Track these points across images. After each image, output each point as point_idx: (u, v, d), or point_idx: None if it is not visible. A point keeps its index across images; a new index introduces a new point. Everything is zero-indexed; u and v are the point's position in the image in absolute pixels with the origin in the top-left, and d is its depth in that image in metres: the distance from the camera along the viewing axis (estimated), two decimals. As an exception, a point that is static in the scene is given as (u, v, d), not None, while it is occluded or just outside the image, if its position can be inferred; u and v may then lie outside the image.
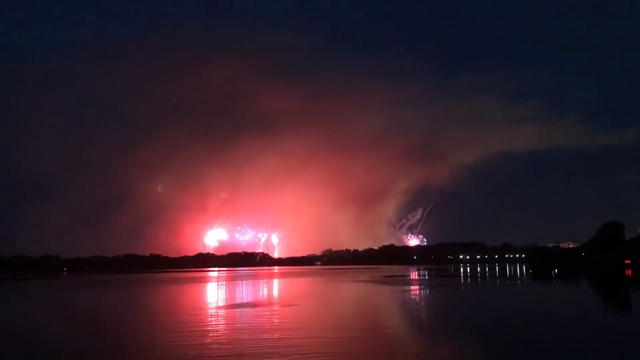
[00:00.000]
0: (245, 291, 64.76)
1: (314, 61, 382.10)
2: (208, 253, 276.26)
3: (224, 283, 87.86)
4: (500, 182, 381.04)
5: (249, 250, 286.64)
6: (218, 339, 25.50)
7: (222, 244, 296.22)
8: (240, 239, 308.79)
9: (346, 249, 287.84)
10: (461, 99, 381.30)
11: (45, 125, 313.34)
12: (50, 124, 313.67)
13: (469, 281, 79.95)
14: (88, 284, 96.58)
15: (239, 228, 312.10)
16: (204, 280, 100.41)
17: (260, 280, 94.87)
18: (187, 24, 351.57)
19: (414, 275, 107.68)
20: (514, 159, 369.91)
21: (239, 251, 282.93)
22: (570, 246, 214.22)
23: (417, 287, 67.46)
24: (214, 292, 64.65)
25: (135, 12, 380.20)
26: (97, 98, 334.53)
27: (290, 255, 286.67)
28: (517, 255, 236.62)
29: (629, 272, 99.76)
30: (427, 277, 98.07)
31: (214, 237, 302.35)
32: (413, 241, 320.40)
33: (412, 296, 52.20)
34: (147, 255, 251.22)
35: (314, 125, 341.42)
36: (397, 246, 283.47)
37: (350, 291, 61.80)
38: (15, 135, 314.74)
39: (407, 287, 65.22)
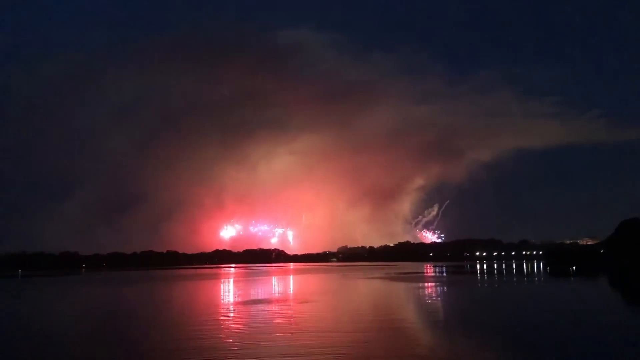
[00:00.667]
0: (261, 288, 65.21)
1: (330, 58, 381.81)
2: (224, 250, 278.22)
3: (240, 279, 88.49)
4: (518, 178, 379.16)
5: (265, 247, 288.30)
6: (234, 335, 25.82)
7: (238, 241, 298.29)
8: (255, 230, 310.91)
9: (362, 246, 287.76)
10: (478, 95, 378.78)
11: (64, 124, 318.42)
12: (68, 122, 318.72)
13: (485, 278, 79.56)
14: (107, 281, 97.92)
15: (253, 222, 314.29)
16: (220, 277, 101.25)
17: (276, 277, 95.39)
18: (203, 23, 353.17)
19: (429, 272, 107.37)
20: (532, 156, 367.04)
21: (255, 248, 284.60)
22: (588, 243, 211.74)
23: (433, 284, 67.29)
24: (230, 289, 65.21)
25: (152, 11, 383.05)
26: (115, 96, 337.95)
27: (306, 252, 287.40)
28: (535, 252, 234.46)
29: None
30: (443, 274, 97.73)
31: (229, 233, 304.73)
32: (429, 238, 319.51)
33: (427, 293, 52.13)
34: (165, 252, 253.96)
35: (329, 122, 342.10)
36: (413, 243, 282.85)
37: (365, 288, 61.88)
38: (34, 134, 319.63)
39: (422, 284, 65.11)
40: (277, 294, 53.94)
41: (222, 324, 29.87)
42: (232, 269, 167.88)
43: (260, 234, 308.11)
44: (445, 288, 59.41)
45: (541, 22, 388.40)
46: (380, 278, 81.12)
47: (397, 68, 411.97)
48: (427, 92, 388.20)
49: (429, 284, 67.05)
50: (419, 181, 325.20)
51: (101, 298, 55.59)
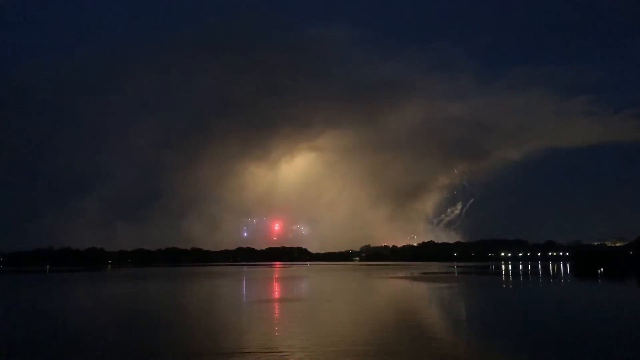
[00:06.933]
0: (283, 286, 65.47)
1: (357, 54, 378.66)
2: (247, 247, 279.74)
3: (263, 277, 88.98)
4: (546, 178, 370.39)
5: (288, 245, 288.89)
6: (257, 332, 25.98)
7: (260, 239, 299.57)
8: (277, 228, 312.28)
9: (384, 245, 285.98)
10: (509, 93, 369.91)
11: (85, 119, 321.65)
12: (89, 118, 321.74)
13: (510, 279, 78.52)
14: (132, 277, 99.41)
15: (275, 219, 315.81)
16: (243, 275, 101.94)
17: (299, 275, 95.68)
18: (226, 17, 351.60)
19: (453, 272, 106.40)
20: (562, 155, 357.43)
21: (278, 246, 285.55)
22: (617, 245, 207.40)
23: (457, 284, 66.68)
24: (252, 286, 65.62)
25: (174, 5, 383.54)
26: (136, 92, 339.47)
27: (328, 251, 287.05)
28: (561, 254, 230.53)
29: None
30: (466, 274, 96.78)
31: (252, 232, 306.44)
32: (452, 237, 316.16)
33: (451, 294, 51.66)
34: (189, 249, 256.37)
35: (354, 119, 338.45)
36: (437, 243, 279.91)
37: (387, 288, 61.69)
38: (55, 130, 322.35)
39: (445, 285, 64.55)
40: (300, 292, 54.14)
41: (243, 322, 30.16)
42: (256, 266, 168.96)
43: (282, 231, 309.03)
44: (469, 289, 58.81)
45: (575, 20, 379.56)
46: (404, 278, 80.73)
47: (428, 65, 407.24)
48: (457, 89, 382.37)
49: (453, 284, 66.43)
50: (442, 179, 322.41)
51: (127, 294, 56.38)
